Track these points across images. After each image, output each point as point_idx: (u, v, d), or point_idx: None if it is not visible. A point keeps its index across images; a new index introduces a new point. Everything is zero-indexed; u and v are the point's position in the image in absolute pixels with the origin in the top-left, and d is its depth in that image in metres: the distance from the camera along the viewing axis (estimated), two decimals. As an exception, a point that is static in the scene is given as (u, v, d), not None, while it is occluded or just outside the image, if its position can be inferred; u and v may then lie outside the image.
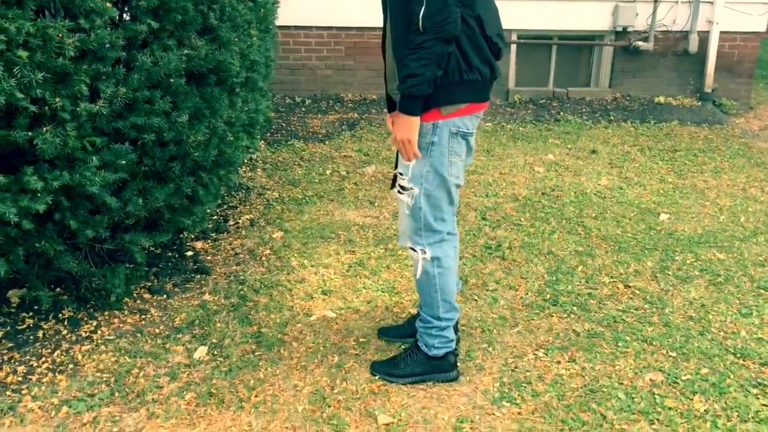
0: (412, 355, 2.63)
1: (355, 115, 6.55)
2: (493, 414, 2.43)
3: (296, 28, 6.88)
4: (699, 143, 5.81)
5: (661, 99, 7.10)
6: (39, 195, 2.41)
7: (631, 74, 7.20)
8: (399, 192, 2.39)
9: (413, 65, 2.09)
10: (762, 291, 3.29)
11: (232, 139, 3.24)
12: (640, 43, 7.01)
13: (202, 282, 3.37)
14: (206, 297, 3.23)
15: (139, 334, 2.91)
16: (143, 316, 3.05)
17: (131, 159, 2.65)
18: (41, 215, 2.49)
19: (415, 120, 2.20)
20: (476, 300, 3.22)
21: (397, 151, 2.36)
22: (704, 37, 6.99)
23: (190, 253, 3.65)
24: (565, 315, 3.09)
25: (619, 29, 7.00)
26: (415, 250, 2.45)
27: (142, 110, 2.65)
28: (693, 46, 7.02)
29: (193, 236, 3.82)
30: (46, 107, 2.37)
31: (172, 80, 2.73)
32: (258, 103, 3.87)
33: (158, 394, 2.52)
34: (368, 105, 6.87)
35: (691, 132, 6.13)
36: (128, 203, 2.75)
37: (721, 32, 6.97)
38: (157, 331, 2.94)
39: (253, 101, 3.72)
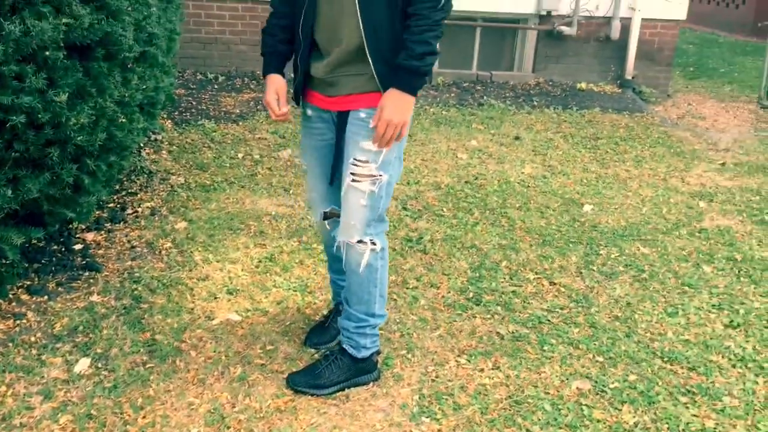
0: (337, 361, 2.41)
1: (272, 94, 6.19)
2: (412, 432, 2.21)
3: (208, -1, 6.44)
4: (620, 131, 5.77)
5: (583, 85, 7.05)
6: None
7: (554, 59, 7.12)
8: (356, 181, 2.18)
9: (435, 42, 2.06)
10: (687, 288, 3.20)
11: (124, 120, 2.88)
12: (563, 28, 6.92)
13: (91, 280, 3.01)
14: (94, 298, 2.88)
15: (10, 344, 2.54)
16: (17, 322, 2.68)
17: (-3, 144, 2.28)
18: None
19: (413, 100, 2.11)
20: (395, 299, 3.00)
21: (342, 137, 2.23)
22: (626, 24, 6.97)
23: (78, 247, 3.27)
24: (489, 316, 2.90)
25: (543, 13, 6.89)
26: (363, 242, 2.25)
27: (9, 87, 2.27)
28: (615, 32, 6.99)
29: (83, 227, 3.44)
30: None
31: (47, 53, 2.36)
32: (158, 80, 3.51)
33: (28, 416, 2.18)
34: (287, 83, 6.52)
35: (613, 119, 6.09)
36: (-5, 194, 2.37)
37: (643, 19, 6.96)
38: (33, 339, 2.58)
39: (152, 78, 3.35)
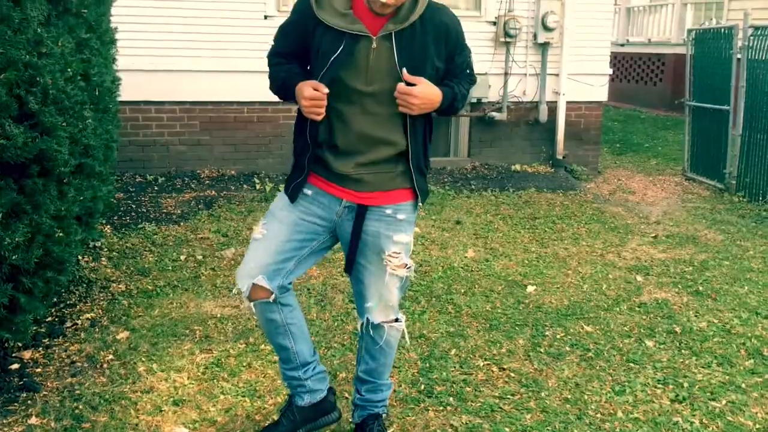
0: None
1: (213, 192, 6.22)
2: None
3: (146, 103, 6.51)
4: (556, 210, 5.96)
5: (518, 167, 7.30)
6: None
7: (488, 143, 7.38)
8: (394, 270, 2.35)
9: (466, 99, 2.38)
10: (631, 364, 3.27)
11: (61, 235, 2.85)
12: (494, 113, 7.22)
13: (29, 401, 2.89)
14: (32, 420, 2.76)
15: (-58, 480, 2.41)
16: (-50, 454, 2.54)
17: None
18: None
19: (437, 105, 2.23)
20: (347, 397, 2.96)
21: (360, 226, 2.32)
22: (553, 107, 7.31)
23: (15, 367, 3.14)
24: (442, 407, 2.89)
25: (474, 101, 7.18)
26: (398, 320, 2.50)
27: (-59, 211, 2.25)
28: (543, 115, 7.32)
29: (20, 345, 3.32)
30: None
31: (-20, 174, 2.35)
32: (97, 190, 3.50)
33: None
34: (226, 181, 6.57)
35: (548, 199, 6.30)
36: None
37: (568, 102, 7.33)
38: (-33, 472, 2.45)
39: (89, 189, 3.34)
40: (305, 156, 2.29)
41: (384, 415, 2.68)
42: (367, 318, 2.44)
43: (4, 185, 2.46)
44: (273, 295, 2.34)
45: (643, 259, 4.75)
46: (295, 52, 2.29)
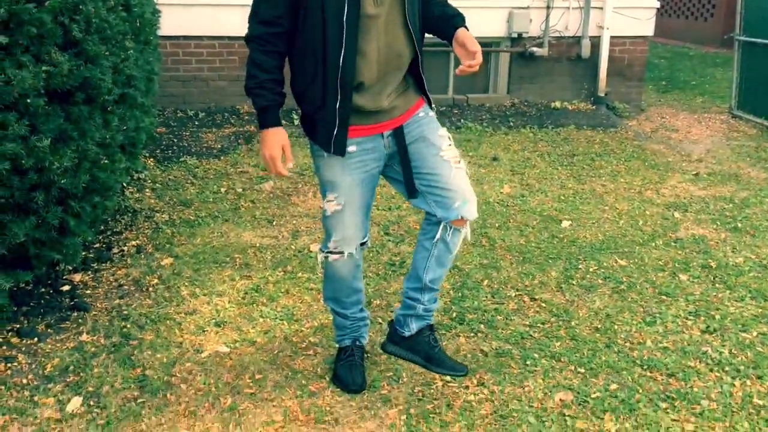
0: (437, 339, 2.75)
1: (252, 128, 6.29)
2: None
3: (185, 38, 6.55)
4: (596, 147, 5.89)
5: (558, 104, 7.19)
6: None
7: (528, 80, 7.27)
8: (456, 161, 2.37)
9: None
10: (664, 297, 3.29)
11: (106, 162, 2.95)
12: (535, 49, 7.08)
13: (80, 320, 3.06)
14: (84, 337, 2.92)
15: (2, 387, 2.58)
16: (9, 365, 2.71)
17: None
18: None
19: None
20: (380, 323, 3.06)
21: (405, 148, 2.33)
22: (596, 42, 7.14)
23: (66, 288, 3.31)
24: (472, 334, 2.97)
25: (515, 35, 7.05)
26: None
27: (-7, 135, 2.35)
28: (585, 51, 7.15)
29: (70, 268, 3.48)
30: None
31: (29, 100, 2.43)
32: (139, 121, 3.58)
33: (22, 458, 2.22)
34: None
35: (588, 136, 6.22)
36: (-18, 240, 2.43)
37: (612, 37, 7.14)
38: (25, 381, 2.62)
39: (132, 119, 3.43)
40: (334, 108, 2.17)
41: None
42: (460, 216, 2.40)
43: (52, 111, 2.55)
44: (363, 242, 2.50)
45: (682, 196, 4.71)
46: (288, 13, 2.12)
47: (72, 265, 3.37)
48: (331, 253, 2.46)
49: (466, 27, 2.25)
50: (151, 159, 5.32)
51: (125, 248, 3.81)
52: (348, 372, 2.61)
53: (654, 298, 3.28)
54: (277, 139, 2.20)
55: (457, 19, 2.26)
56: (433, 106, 2.44)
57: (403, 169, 2.37)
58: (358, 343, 2.69)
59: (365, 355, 2.74)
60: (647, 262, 3.67)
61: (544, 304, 3.23)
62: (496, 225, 4.19)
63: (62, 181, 2.62)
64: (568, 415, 2.43)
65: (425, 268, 2.55)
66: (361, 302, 2.66)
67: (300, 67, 2.21)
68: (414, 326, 2.69)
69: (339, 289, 2.56)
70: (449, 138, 2.39)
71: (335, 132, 2.20)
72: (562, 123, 6.59)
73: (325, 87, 2.15)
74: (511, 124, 6.54)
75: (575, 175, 5.16)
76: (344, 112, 2.18)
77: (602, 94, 7.26)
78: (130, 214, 4.26)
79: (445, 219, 2.42)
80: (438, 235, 2.47)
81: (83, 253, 3.62)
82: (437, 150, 2.34)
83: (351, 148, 2.26)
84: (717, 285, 3.39)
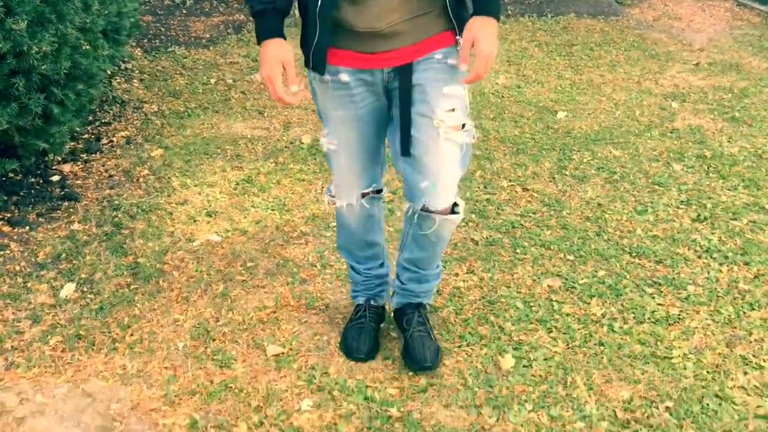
0: (428, 321, 2.24)
1: (242, 16, 6.09)
2: (390, 335, 2.31)
3: None
4: (595, 36, 5.73)
5: (559, -9, 6.93)
6: None
7: (528, -34, 6.96)
8: (448, 134, 1.79)
9: None
10: (656, 186, 3.28)
11: (88, 48, 2.85)
12: (536, -68, 6.74)
13: (71, 210, 3.05)
14: (75, 226, 2.92)
15: (-4, 274, 2.60)
16: (1, 253, 2.73)
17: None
18: None
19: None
20: (372, 212, 3.06)
21: (408, 94, 1.80)
22: (600, -75, 6.79)
23: (56, 178, 3.28)
24: (464, 224, 2.97)
25: None
26: (456, 209, 1.92)
27: (-34, 17, 2.25)
28: (589, -66, 6.82)
29: (59, 159, 3.44)
30: None
31: (1, -20, 2.32)
32: (121, 5, 3.45)
33: (18, 340, 2.26)
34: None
35: (588, 25, 6.04)
36: (-36, 128, 2.38)
37: None
38: (18, 268, 2.64)
39: (113, 3, 3.30)
40: (314, 11, 1.72)
41: (429, 305, 2.30)
42: (423, 202, 1.88)
43: (27, -7, 2.44)
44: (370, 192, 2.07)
45: (681, 87, 4.62)
46: None
47: (59, 154, 3.33)
48: (332, 197, 2.09)
49: (494, 13, 1.71)
50: (138, 48, 5.17)
51: (114, 139, 3.76)
52: (355, 336, 2.22)
53: (647, 187, 3.28)
54: (275, 54, 1.72)
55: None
56: (458, 37, 1.81)
57: (401, 118, 1.83)
58: (372, 302, 2.30)
59: (383, 318, 2.33)
60: (642, 153, 3.64)
61: (536, 194, 3.23)
62: (491, 116, 4.12)
63: (42, 67, 2.55)
64: (556, 301, 2.47)
65: (402, 244, 2.14)
66: (380, 258, 2.26)
67: None
68: (394, 301, 2.27)
69: (349, 239, 2.19)
70: (459, 100, 1.81)
71: (314, 43, 1.76)
72: (561, 11, 6.38)
73: None
74: (509, 12, 6.33)
75: (573, 66, 5.04)
76: (324, 21, 1.72)
77: (605, -18, 6.98)
78: (118, 105, 4.18)
79: (407, 199, 1.95)
80: (406, 213, 2.02)
81: (72, 144, 3.58)
82: (431, 110, 1.78)
83: (343, 77, 1.81)
84: (711, 174, 3.38)
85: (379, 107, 1.90)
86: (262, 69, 1.74)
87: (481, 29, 1.69)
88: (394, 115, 1.88)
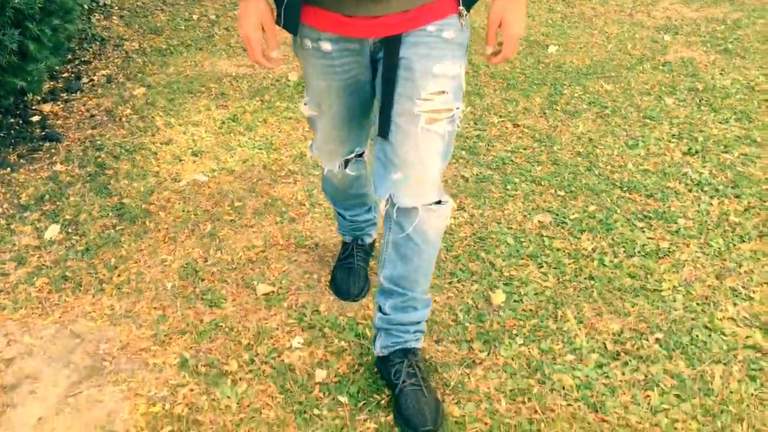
0: (421, 370, 1.83)
1: (223, -50, 5.88)
2: (380, 271, 2.29)
3: None
4: (588, -32, 5.59)
5: None
6: None
7: None
8: (432, 121, 1.56)
9: None
10: (648, 120, 3.24)
11: (62, -19, 2.75)
12: None
13: (53, 150, 2.98)
14: (57, 167, 2.86)
15: (-22, 217, 2.56)
16: (-17, 196, 2.68)
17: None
18: None
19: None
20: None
21: (394, 68, 1.57)
22: None
23: (36, 119, 3.21)
24: (454, 161, 2.94)
25: None
26: (442, 203, 1.66)
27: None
28: None
29: (39, 98, 3.36)
30: None
31: None
32: (96, -63, 3.30)
33: (4, 282, 2.23)
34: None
35: (580, -44, 5.88)
36: (-64, 65, 2.30)
37: None
38: (0, 210, 2.59)
39: (88, -66, 3.16)
40: None
41: (420, 350, 1.89)
42: (391, 196, 1.63)
43: None
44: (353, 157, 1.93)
45: (673, 18, 4.53)
46: None
47: (38, 93, 3.25)
48: (315, 155, 1.96)
49: None
50: (117, -16, 5.00)
51: (95, 78, 3.66)
52: (345, 278, 2.18)
53: (638, 121, 3.24)
54: (254, 13, 1.54)
55: None
56: (466, 14, 1.57)
57: (383, 95, 1.60)
58: (360, 242, 2.25)
59: (371, 254, 2.30)
60: (633, 86, 3.58)
61: (526, 130, 3.18)
62: (481, 51, 4.04)
63: (16, 1, 2.44)
64: (546, 236, 2.46)
65: (382, 260, 1.77)
66: (366, 205, 2.17)
67: None
68: (378, 345, 1.86)
69: (335, 192, 2.10)
70: (452, 80, 1.56)
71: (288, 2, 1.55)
72: (553, -57, 6.20)
73: None
74: (500, -56, 6.15)
75: (564, -2, 4.93)
76: None
77: None
78: (98, 43, 4.06)
79: (375, 189, 1.69)
80: (385, 208, 1.69)
81: (51, 83, 3.49)
82: (416, 91, 1.55)
83: (324, 46, 1.61)
84: (702, 107, 3.34)
85: (366, 79, 1.70)
86: (240, 28, 1.57)
87: (509, 11, 1.53)
88: (377, 90, 1.65)
